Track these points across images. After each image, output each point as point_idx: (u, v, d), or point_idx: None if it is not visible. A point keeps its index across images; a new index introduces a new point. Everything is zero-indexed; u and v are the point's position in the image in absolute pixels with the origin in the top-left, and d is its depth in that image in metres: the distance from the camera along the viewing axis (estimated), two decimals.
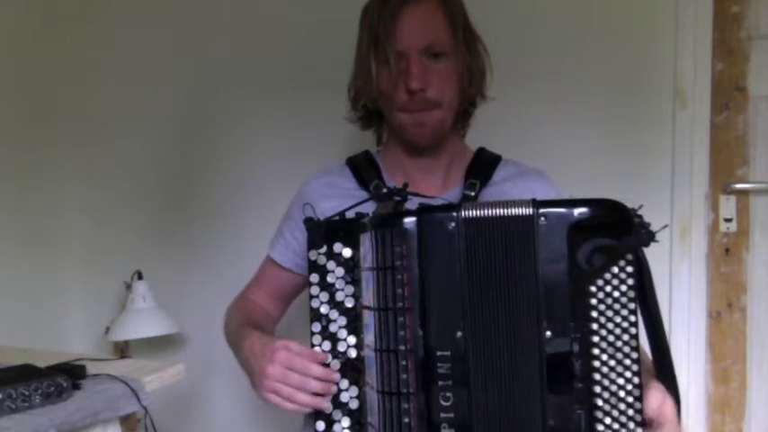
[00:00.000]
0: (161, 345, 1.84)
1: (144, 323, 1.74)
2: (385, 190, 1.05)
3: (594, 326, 0.78)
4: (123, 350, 1.83)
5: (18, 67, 1.83)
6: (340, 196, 1.07)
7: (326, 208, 1.04)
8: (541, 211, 0.79)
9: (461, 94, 1.06)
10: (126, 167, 1.95)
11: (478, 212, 0.81)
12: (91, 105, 1.96)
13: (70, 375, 1.09)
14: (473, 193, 1.05)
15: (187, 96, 1.86)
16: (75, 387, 1.09)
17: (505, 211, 0.80)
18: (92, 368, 1.19)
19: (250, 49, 1.78)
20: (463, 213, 0.81)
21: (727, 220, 1.50)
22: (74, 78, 1.95)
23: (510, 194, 1.06)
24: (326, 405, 0.87)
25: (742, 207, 1.50)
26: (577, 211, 0.80)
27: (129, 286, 1.82)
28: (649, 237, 0.78)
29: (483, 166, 1.10)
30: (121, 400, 1.11)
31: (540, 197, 0.83)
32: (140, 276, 1.80)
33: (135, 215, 1.94)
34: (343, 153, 1.17)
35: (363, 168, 1.11)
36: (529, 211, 0.80)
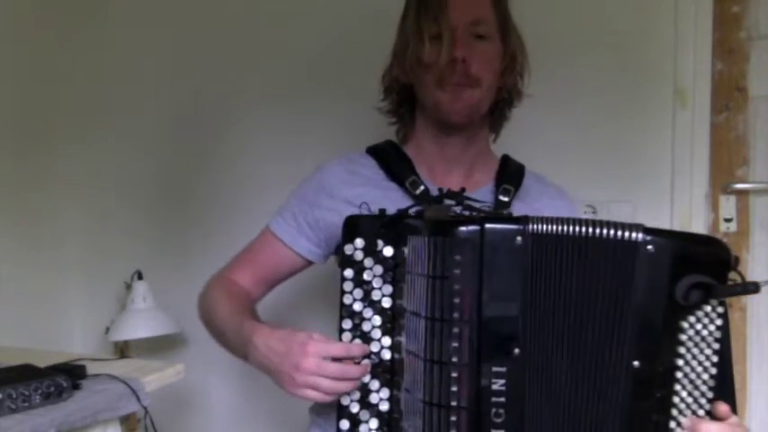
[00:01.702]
0: (161, 345, 1.84)
1: (144, 323, 1.74)
2: (423, 187, 1.02)
3: (680, 362, 0.76)
4: (123, 350, 1.83)
5: (17, 66, 1.83)
6: (363, 185, 1.05)
7: (348, 195, 1.03)
8: (650, 238, 0.76)
9: (500, 79, 1.06)
10: (126, 167, 1.95)
11: (546, 228, 0.78)
12: (91, 105, 1.96)
13: (70, 375, 1.09)
14: (507, 199, 1.04)
15: (187, 96, 1.86)
16: (75, 387, 1.09)
17: (607, 231, 0.76)
18: (92, 368, 1.19)
19: (250, 49, 1.78)
20: (531, 227, 0.78)
21: (727, 220, 1.50)
22: (73, 78, 1.95)
23: (533, 209, 1.03)
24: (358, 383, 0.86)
25: (742, 207, 1.49)
26: (685, 244, 0.77)
27: (129, 286, 1.82)
28: (755, 286, 0.74)
29: (514, 173, 1.09)
30: (121, 400, 1.11)
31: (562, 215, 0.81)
32: (140, 276, 1.80)
33: (135, 215, 1.94)
34: (343, 153, 1.16)
35: (395, 161, 1.08)
36: (638, 236, 0.76)
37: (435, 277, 0.79)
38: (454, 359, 0.78)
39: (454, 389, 0.78)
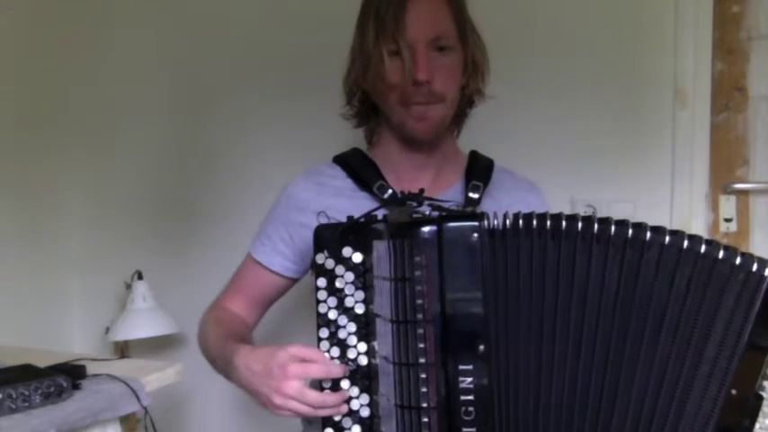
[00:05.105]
0: (161, 345, 1.84)
1: (144, 323, 1.74)
2: (390, 191, 1.02)
3: (765, 395, 0.76)
4: (123, 350, 1.83)
5: (18, 68, 1.83)
6: (332, 196, 1.05)
7: (318, 208, 1.01)
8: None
9: (463, 89, 1.06)
10: (126, 167, 1.95)
11: (507, 223, 0.79)
12: (91, 106, 1.96)
13: (70, 375, 1.09)
14: (477, 196, 1.04)
15: (187, 97, 1.86)
16: (75, 387, 1.09)
17: (729, 255, 0.74)
18: (92, 368, 1.19)
19: (250, 50, 1.78)
20: (488, 224, 0.79)
21: (727, 220, 1.50)
22: (73, 79, 1.94)
23: (504, 204, 1.02)
24: (344, 408, 0.86)
25: (742, 207, 1.49)
26: None
27: (129, 286, 1.82)
28: None
29: (482, 169, 1.09)
30: (121, 400, 1.11)
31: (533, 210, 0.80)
32: (140, 276, 1.80)
33: (135, 215, 1.94)
34: (309, 166, 1.15)
35: (361, 168, 1.08)
36: (761, 271, 0.74)
37: (398, 279, 0.79)
38: (422, 360, 0.78)
39: (424, 390, 0.78)
